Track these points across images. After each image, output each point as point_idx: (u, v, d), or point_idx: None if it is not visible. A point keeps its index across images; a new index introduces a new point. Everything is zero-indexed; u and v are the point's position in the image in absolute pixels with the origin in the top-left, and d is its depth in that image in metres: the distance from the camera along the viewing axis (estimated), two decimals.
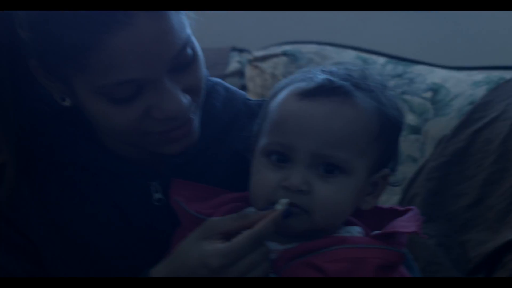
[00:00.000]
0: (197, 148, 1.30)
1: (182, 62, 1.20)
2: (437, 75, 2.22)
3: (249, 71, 2.43)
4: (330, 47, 2.40)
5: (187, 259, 1.16)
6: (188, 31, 1.21)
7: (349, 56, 2.34)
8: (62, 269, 1.31)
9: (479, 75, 2.18)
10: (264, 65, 2.41)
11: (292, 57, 2.39)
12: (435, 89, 2.18)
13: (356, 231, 1.23)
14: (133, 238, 1.31)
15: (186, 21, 1.21)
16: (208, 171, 1.34)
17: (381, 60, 2.31)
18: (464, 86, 2.15)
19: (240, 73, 2.44)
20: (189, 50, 1.21)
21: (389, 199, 2.01)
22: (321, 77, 1.21)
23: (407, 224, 1.21)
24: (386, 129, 1.21)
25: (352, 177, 1.19)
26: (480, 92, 2.11)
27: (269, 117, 1.22)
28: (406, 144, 2.09)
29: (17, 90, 1.27)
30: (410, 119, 2.13)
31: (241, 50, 2.51)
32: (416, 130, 2.13)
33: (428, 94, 2.18)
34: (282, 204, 1.16)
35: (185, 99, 1.21)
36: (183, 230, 1.24)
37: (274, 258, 1.18)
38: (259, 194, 1.20)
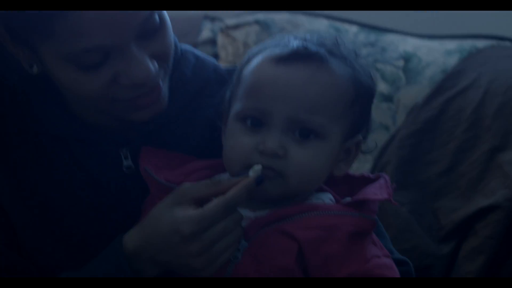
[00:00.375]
0: (167, 115, 1.29)
1: (149, 29, 1.20)
2: (409, 44, 2.22)
3: (221, 39, 2.42)
4: (303, 15, 2.38)
5: (159, 225, 1.16)
6: None
7: (322, 24, 2.33)
8: (35, 237, 1.30)
9: (451, 44, 2.18)
10: (236, 34, 2.40)
11: (264, 26, 2.37)
12: (407, 58, 2.18)
13: (327, 197, 1.24)
14: (103, 205, 1.31)
15: None
16: (178, 138, 1.33)
17: (354, 28, 2.30)
18: (436, 55, 2.15)
19: (212, 42, 2.42)
20: (156, 17, 1.20)
21: (361, 167, 2.01)
22: (295, 43, 1.20)
23: (378, 191, 1.22)
24: (361, 95, 1.21)
25: (327, 142, 1.19)
26: (452, 60, 2.11)
27: (243, 83, 1.21)
28: (378, 112, 2.09)
29: None
30: (382, 87, 2.13)
31: (213, 19, 2.49)
32: (388, 98, 2.13)
33: (400, 63, 2.17)
34: (255, 171, 1.16)
35: (153, 65, 1.21)
36: (153, 198, 1.24)
37: (246, 225, 1.18)
38: (234, 158, 1.20)
